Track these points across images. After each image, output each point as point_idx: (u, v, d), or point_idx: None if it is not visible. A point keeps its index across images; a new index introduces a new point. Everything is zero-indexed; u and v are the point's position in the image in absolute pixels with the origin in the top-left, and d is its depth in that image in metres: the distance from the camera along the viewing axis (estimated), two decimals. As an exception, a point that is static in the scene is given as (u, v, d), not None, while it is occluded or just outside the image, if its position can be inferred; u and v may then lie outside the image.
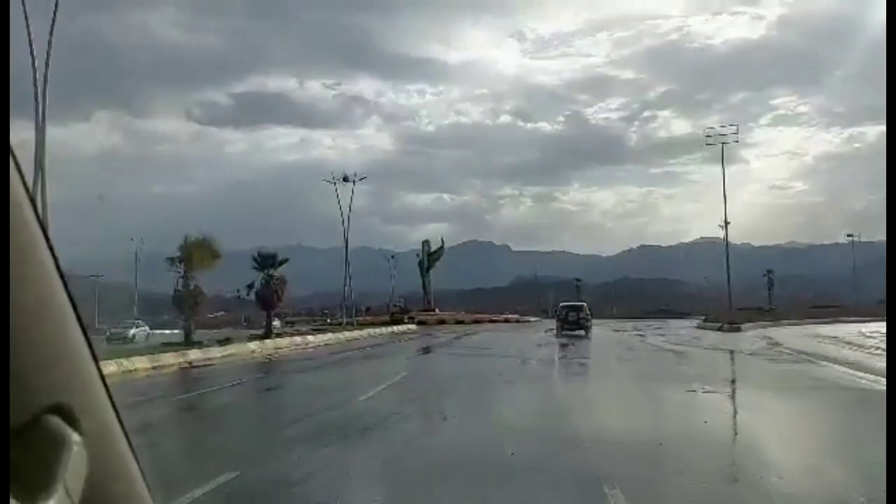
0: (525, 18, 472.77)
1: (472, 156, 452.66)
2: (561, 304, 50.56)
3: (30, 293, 0.50)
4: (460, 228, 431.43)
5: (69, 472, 0.50)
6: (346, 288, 60.10)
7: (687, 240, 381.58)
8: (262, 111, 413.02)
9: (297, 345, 37.88)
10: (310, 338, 41.65)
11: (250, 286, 42.94)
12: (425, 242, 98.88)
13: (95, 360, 0.60)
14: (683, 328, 59.94)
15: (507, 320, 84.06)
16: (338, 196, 58.41)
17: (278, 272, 43.21)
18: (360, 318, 67.22)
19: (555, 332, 45.47)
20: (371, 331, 52.90)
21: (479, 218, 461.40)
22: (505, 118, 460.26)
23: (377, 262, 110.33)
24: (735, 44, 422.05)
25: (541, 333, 47.71)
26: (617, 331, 53.89)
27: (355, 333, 49.14)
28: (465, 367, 24.29)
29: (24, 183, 0.50)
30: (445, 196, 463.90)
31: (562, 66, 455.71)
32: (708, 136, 72.27)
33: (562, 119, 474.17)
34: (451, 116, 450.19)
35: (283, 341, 38.07)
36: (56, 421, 0.52)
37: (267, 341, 36.65)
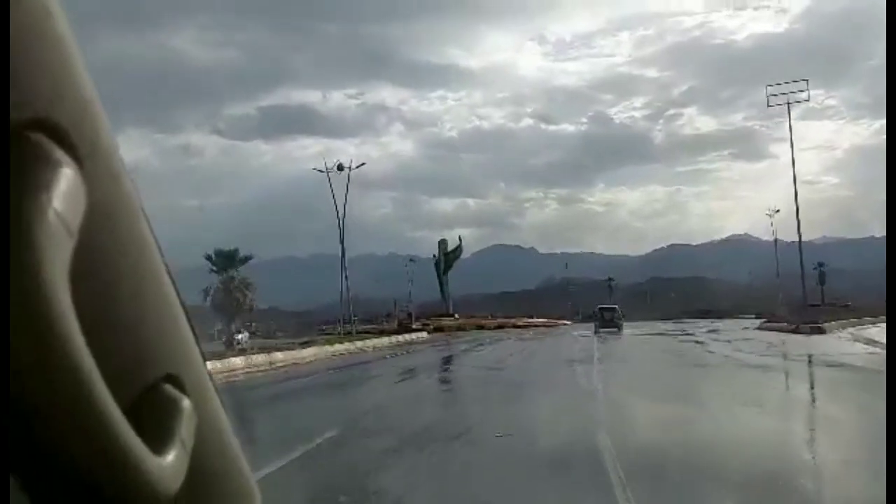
0: (546, 21, 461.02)
1: (495, 159, 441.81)
2: (598, 307, 57.77)
3: (141, 276, 0.56)
4: (486, 232, 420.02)
5: (183, 430, 0.57)
6: (343, 294, 50.40)
7: (717, 238, 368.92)
8: (288, 123, 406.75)
9: (251, 367, 28.24)
10: (278, 355, 31.93)
11: (206, 291, 33.20)
12: (442, 242, 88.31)
13: (197, 339, 0.65)
14: (741, 329, 49.42)
15: (532, 325, 73.85)
16: (331, 187, 48.77)
17: (241, 274, 33.47)
18: (364, 328, 57.52)
19: (592, 330, 49.21)
20: (372, 342, 43.14)
21: (505, 221, 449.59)
22: (527, 121, 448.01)
23: (409, 269, 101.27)
24: (759, 38, 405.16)
25: (571, 343, 37.38)
26: (662, 334, 43.61)
27: (347, 346, 39.24)
28: (449, 415, 14.49)
29: (131, 180, 0.54)
30: (470, 200, 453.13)
31: (584, 66, 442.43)
32: (773, 94, 60.55)
33: (585, 120, 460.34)
34: (474, 121, 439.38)
35: (238, 362, 28.43)
36: (170, 388, 0.59)
37: (216, 363, 26.95)
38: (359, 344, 41.12)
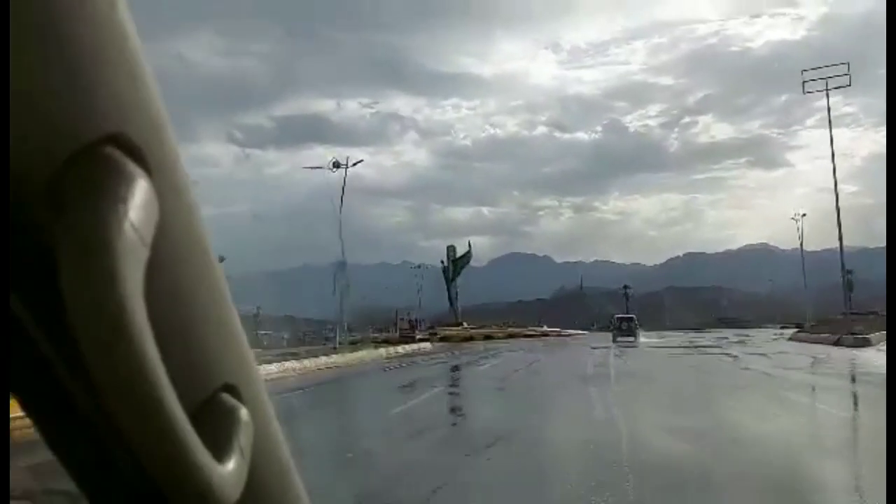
0: (560, 29, 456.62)
1: (509, 168, 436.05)
2: (615, 316, 60.09)
3: (203, 287, 0.57)
4: (501, 241, 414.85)
5: (242, 439, 0.58)
6: (339, 302, 46.24)
7: (734, 247, 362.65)
8: (303, 132, 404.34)
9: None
10: None
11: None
12: (450, 248, 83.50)
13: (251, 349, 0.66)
14: (772, 341, 44.75)
15: (545, 335, 69.21)
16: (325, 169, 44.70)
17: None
18: (372, 337, 53.45)
19: (609, 341, 49.03)
20: (360, 354, 38.69)
21: (520, 230, 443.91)
22: (541, 129, 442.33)
23: (425, 279, 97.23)
24: (776, 46, 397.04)
25: (585, 357, 32.90)
26: (686, 347, 39.04)
27: (331, 359, 34.75)
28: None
29: (194, 192, 0.55)
30: (484, 209, 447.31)
31: (598, 74, 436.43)
32: (810, 80, 55.13)
33: (599, 128, 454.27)
34: (488, 129, 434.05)
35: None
36: (229, 398, 0.60)
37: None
38: (348, 356, 36.73)
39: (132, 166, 0.46)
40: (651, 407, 15.10)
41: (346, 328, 48.81)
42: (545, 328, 74.04)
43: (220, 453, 0.54)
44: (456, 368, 29.99)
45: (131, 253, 0.44)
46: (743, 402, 15.64)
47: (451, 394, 20.34)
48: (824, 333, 41.73)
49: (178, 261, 0.54)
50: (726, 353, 32.26)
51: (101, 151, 0.45)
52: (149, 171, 0.47)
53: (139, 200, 0.45)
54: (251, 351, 0.65)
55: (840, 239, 54.23)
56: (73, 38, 0.43)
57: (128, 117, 0.47)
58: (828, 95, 53.47)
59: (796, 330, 50.51)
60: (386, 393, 20.37)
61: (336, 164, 45.34)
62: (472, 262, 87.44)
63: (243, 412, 0.60)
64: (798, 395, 16.65)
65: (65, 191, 0.44)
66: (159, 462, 0.49)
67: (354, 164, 48.54)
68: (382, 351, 42.13)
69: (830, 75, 54.34)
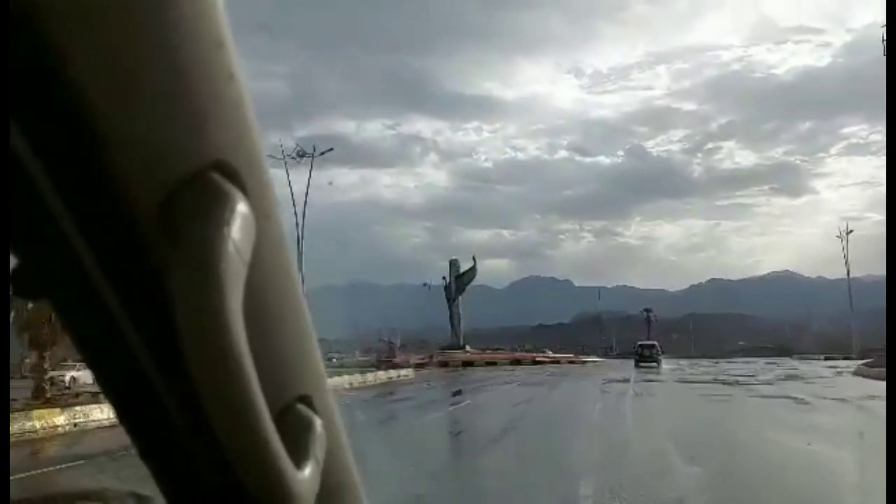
0: (582, 54, 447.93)
1: (529, 191, 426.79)
2: (637, 343, 60.24)
3: (287, 303, 0.60)
4: (521, 264, 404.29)
5: (317, 449, 0.61)
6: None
7: (758, 273, 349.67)
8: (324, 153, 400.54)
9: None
10: (96, 415, 18.96)
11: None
12: (453, 262, 73.64)
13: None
14: (834, 375, 35.17)
15: (556, 361, 60.13)
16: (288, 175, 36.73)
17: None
18: (342, 361, 44.96)
19: (626, 373, 44.63)
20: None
21: (540, 253, 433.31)
22: (562, 153, 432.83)
23: (436, 299, 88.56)
24: (800, 72, 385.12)
25: (592, 398, 23.42)
26: (724, 383, 29.58)
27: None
28: None
29: (280, 215, 0.58)
30: (504, 232, 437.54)
31: (620, 99, 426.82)
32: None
33: (621, 153, 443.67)
34: (509, 152, 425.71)
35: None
36: (304, 408, 0.63)
37: None
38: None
39: (234, 190, 0.49)
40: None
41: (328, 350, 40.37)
42: (556, 355, 64.74)
43: (297, 461, 0.56)
44: (431, 406, 20.88)
45: (234, 272, 0.47)
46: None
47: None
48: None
49: (267, 278, 0.56)
50: (793, 398, 22.70)
51: (207, 177, 0.48)
52: (247, 194, 0.50)
53: (240, 223, 0.48)
54: (323, 364, 0.67)
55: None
56: (187, 72, 0.47)
57: (230, 144, 0.50)
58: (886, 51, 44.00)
59: (862, 363, 40.25)
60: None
61: (301, 154, 36.84)
62: (492, 284, 79.02)
63: (318, 422, 0.63)
64: None
65: (175, 215, 0.47)
66: (251, 468, 0.52)
67: (322, 153, 40.40)
68: (346, 379, 33.21)
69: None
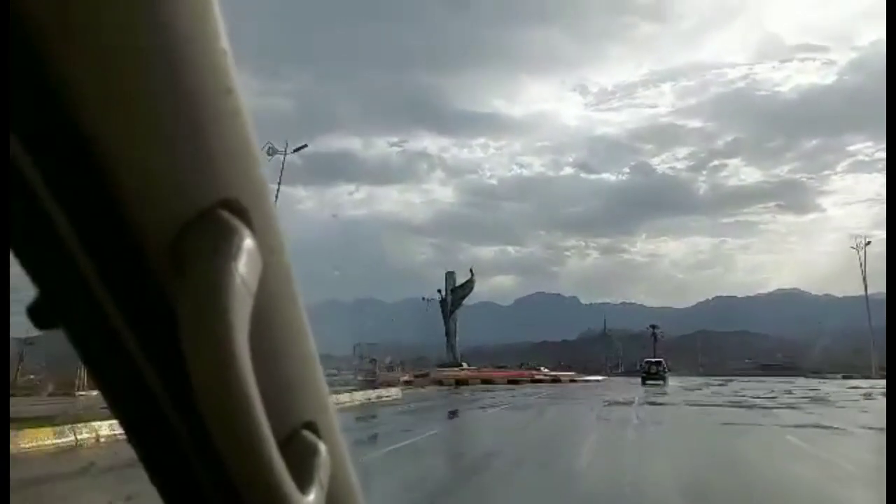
0: (587, 71, 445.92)
1: (535, 208, 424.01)
2: (644, 360, 62.13)
3: (292, 332, 0.62)
4: (527, 280, 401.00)
5: (322, 474, 0.62)
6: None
7: (764, 291, 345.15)
8: (330, 170, 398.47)
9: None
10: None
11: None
12: (449, 274, 69.88)
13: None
14: (864, 398, 31.15)
15: (556, 380, 56.55)
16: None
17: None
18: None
19: (631, 395, 41.70)
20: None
21: (546, 270, 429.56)
22: (568, 170, 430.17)
23: (436, 314, 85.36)
24: (806, 90, 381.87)
25: (589, 426, 19.47)
26: (742, 406, 25.79)
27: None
28: None
29: (286, 248, 0.60)
30: (510, 248, 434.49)
31: (626, 116, 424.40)
32: None
33: (627, 170, 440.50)
34: (514, 169, 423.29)
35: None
36: (310, 434, 0.64)
37: None
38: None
39: (241, 227, 0.51)
40: None
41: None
42: (556, 373, 61.09)
43: (302, 486, 0.58)
44: (384, 439, 16.68)
45: (241, 305, 0.49)
46: None
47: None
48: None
49: (273, 310, 0.58)
50: (833, 428, 18.73)
51: (216, 215, 0.50)
52: (253, 229, 0.52)
53: (247, 258, 0.50)
54: (326, 387, 0.68)
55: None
56: (198, 115, 0.49)
57: (238, 182, 0.52)
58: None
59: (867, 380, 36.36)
60: None
61: (272, 151, 33.15)
62: (498, 301, 75.37)
63: (322, 448, 0.64)
64: None
65: (185, 251, 0.50)
66: (256, 494, 0.53)
67: (296, 150, 36.84)
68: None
69: None
